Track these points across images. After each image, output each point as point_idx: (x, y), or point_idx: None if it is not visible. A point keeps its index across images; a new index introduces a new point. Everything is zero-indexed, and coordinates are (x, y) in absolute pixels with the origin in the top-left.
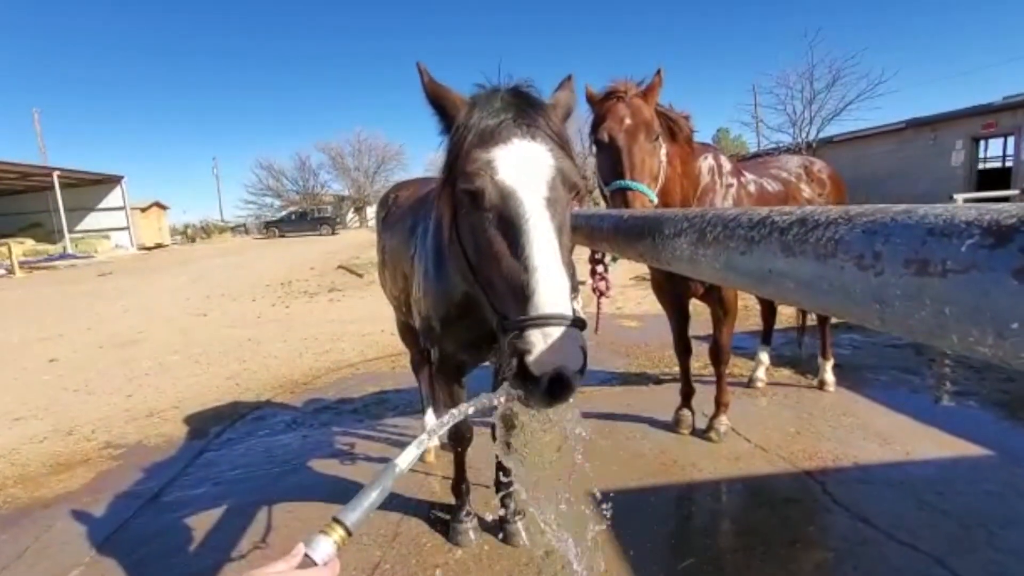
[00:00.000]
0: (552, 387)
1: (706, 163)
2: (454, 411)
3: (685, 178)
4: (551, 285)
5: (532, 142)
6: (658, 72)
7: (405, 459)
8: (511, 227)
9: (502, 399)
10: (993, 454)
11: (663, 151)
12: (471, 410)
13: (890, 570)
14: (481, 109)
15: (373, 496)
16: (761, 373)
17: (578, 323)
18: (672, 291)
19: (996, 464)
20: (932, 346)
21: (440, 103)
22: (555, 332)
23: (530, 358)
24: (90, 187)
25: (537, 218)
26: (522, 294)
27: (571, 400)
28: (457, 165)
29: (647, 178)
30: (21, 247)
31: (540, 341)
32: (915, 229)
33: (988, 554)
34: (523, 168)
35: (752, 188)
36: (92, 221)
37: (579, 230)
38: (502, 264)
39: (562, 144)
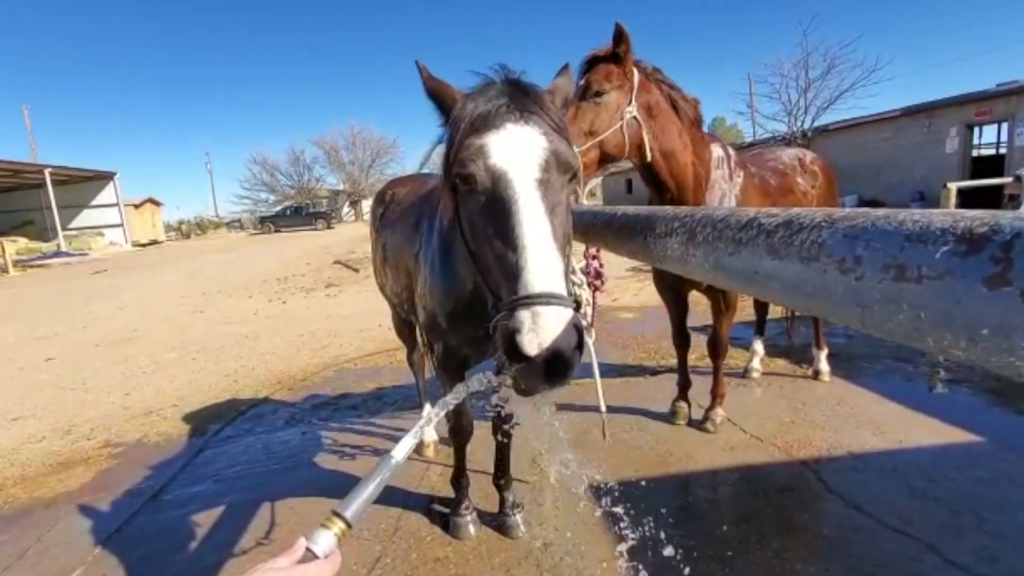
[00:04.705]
0: (549, 366)
1: (716, 153)
2: (447, 398)
3: (699, 162)
4: (540, 264)
5: (525, 126)
6: (616, 29)
7: (401, 450)
8: (502, 209)
9: (495, 382)
10: (984, 441)
11: (629, 108)
12: (465, 393)
13: (882, 555)
14: (476, 99)
15: (371, 488)
16: (756, 363)
17: (571, 302)
18: (673, 283)
19: (987, 451)
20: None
21: (439, 98)
22: (544, 311)
23: (519, 337)
24: (82, 184)
25: (527, 198)
26: (512, 274)
27: (568, 381)
28: (452, 154)
29: (575, 136)
30: (14, 245)
31: (528, 320)
32: (893, 235)
33: (978, 539)
34: (514, 151)
35: (757, 181)
36: (85, 218)
37: (575, 227)
38: (494, 246)
39: (557, 128)
